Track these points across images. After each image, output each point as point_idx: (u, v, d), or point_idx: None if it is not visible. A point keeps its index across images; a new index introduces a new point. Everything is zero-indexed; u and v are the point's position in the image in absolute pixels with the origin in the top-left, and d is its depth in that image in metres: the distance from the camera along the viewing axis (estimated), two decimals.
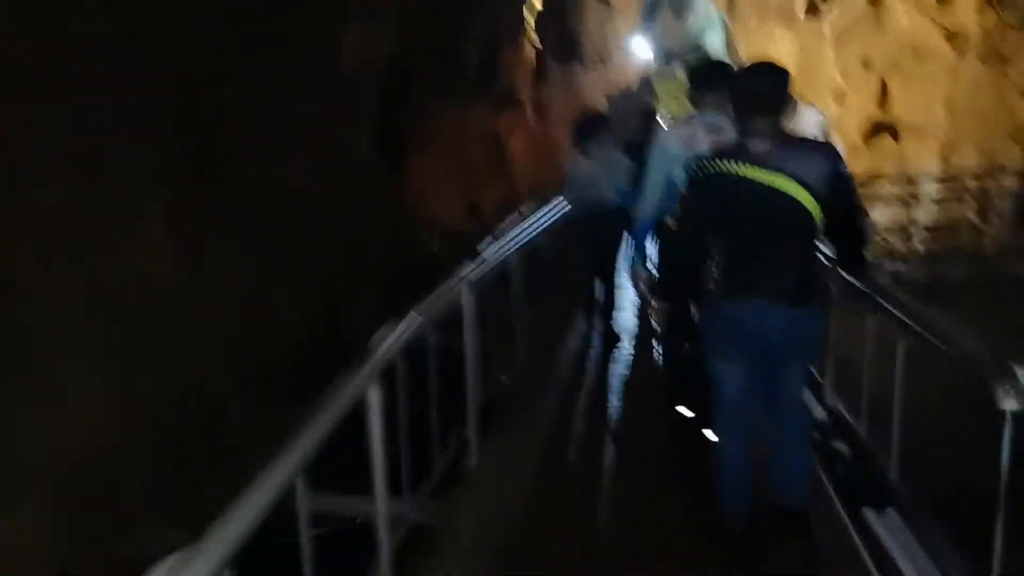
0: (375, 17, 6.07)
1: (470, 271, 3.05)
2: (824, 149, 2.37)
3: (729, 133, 3.03)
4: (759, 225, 2.30)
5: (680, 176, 3.19)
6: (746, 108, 2.31)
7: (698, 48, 20.00)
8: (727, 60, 12.05)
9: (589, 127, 5.65)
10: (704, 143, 3.15)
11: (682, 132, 3.35)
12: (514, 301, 4.19)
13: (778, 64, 2.42)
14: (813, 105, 13.50)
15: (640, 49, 18.57)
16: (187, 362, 3.70)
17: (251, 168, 4.31)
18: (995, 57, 9.09)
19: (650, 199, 3.48)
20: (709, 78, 3.48)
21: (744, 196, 2.29)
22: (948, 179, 9.45)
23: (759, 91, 2.29)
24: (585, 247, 5.72)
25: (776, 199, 2.25)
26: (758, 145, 2.26)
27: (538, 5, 11.01)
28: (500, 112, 10.13)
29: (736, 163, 2.29)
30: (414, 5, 6.85)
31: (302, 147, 4.92)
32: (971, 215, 9.28)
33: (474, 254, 6.65)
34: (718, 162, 2.34)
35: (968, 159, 9.40)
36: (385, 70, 6.78)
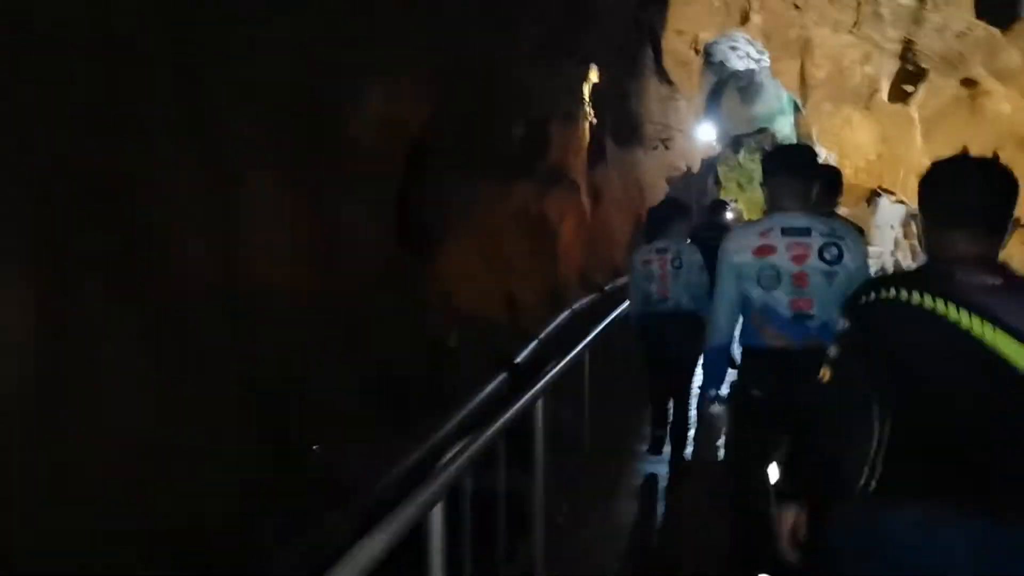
0: (401, 76, 5.24)
1: (438, 483, 1.84)
2: None
3: (816, 240, 2.53)
4: (959, 395, 1.42)
5: (756, 293, 2.59)
6: (951, 216, 1.48)
7: (764, 131, 19.09)
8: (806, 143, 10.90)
9: (663, 216, 4.95)
10: (783, 252, 2.55)
11: (752, 238, 2.66)
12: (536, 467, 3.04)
13: (1004, 164, 1.57)
14: (894, 194, 12.21)
15: (704, 133, 17.72)
16: None
17: (180, 255, 3.39)
18: None
19: (720, 321, 2.75)
20: (788, 162, 2.77)
21: (942, 349, 1.43)
22: None
23: (978, 195, 1.48)
24: (650, 356, 4.90)
25: (993, 364, 1.36)
26: (970, 277, 1.40)
27: (595, 79, 10.22)
28: (549, 193, 9.23)
29: (934, 297, 1.43)
30: (452, 66, 6.03)
31: (274, 227, 4.01)
32: None
33: (502, 355, 5.60)
34: (903, 291, 1.46)
35: None
36: (411, 139, 5.95)
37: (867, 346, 1.49)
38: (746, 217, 19.24)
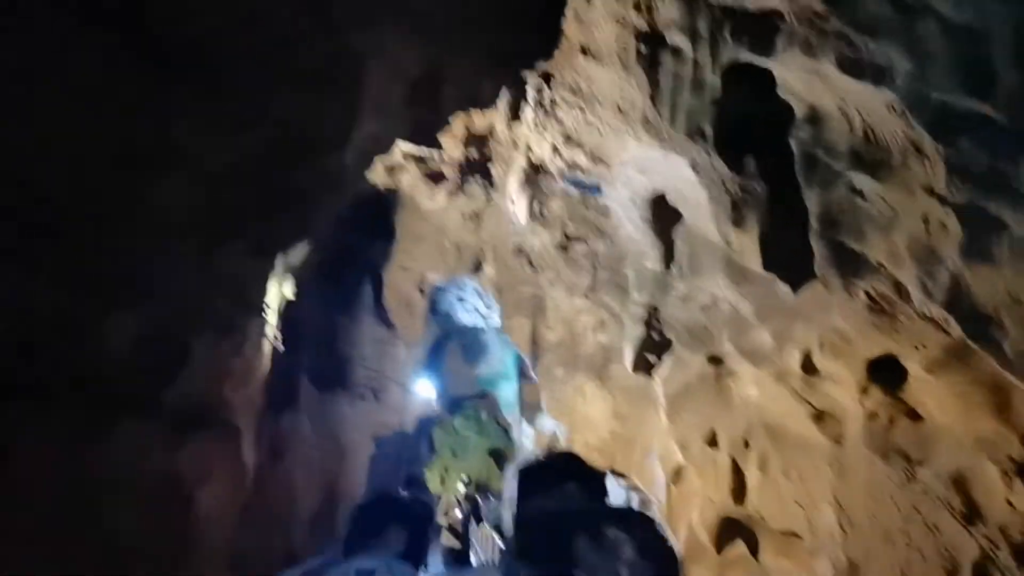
0: None
1: None
2: None
3: None
4: None
5: None
6: None
7: (486, 395, 17.58)
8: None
9: (372, 519, 3.55)
10: None
11: None
12: None
13: None
14: (625, 478, 10.40)
15: (423, 388, 15.61)
16: None
17: None
18: (894, 452, 6.79)
19: None
20: None
21: None
22: None
23: None
24: None
25: None
26: None
27: (290, 293, 7.61)
28: (185, 440, 5.96)
29: None
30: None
31: None
32: None
33: None
34: None
35: None
36: None
37: None
38: (456, 490, 16.87)
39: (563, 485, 1.91)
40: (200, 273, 4.92)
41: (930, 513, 6.32)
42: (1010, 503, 5.25)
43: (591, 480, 2.00)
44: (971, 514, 5.65)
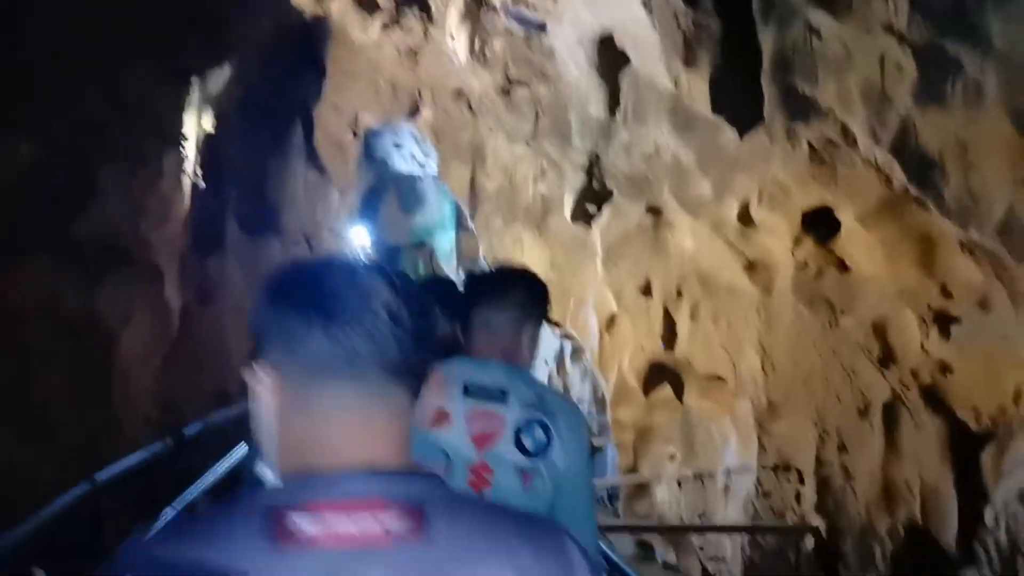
0: None
1: None
2: None
3: (514, 411, 1.72)
4: None
5: None
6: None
7: (422, 245, 17.40)
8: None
9: None
10: (461, 425, 1.89)
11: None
12: None
13: None
14: (559, 326, 10.68)
15: (358, 236, 15.32)
16: None
17: None
18: (820, 301, 7.00)
19: None
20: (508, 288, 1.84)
21: None
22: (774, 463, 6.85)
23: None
24: None
25: None
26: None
27: (210, 127, 7.07)
28: (101, 281, 5.64)
29: None
30: None
31: None
32: (810, 515, 6.68)
33: None
34: None
35: (798, 432, 7.00)
36: None
37: None
38: None
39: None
40: (104, 96, 4.43)
41: (848, 358, 6.63)
42: (924, 348, 5.49)
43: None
44: (886, 359, 5.91)
